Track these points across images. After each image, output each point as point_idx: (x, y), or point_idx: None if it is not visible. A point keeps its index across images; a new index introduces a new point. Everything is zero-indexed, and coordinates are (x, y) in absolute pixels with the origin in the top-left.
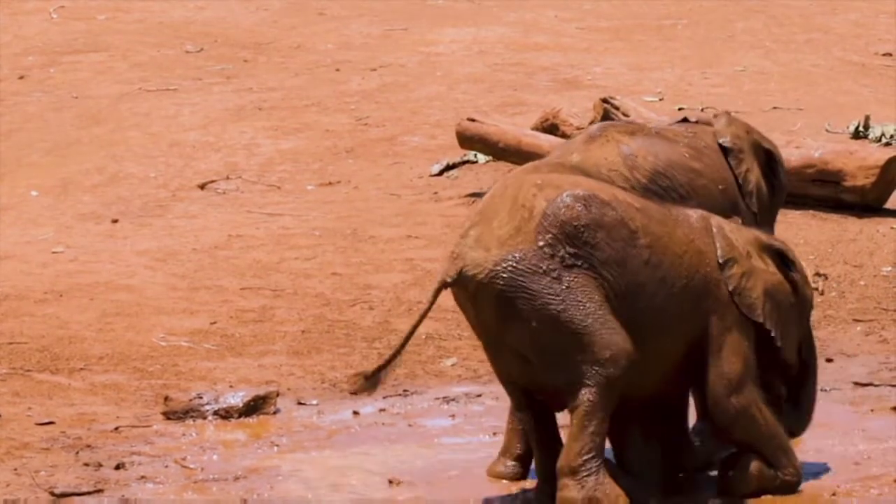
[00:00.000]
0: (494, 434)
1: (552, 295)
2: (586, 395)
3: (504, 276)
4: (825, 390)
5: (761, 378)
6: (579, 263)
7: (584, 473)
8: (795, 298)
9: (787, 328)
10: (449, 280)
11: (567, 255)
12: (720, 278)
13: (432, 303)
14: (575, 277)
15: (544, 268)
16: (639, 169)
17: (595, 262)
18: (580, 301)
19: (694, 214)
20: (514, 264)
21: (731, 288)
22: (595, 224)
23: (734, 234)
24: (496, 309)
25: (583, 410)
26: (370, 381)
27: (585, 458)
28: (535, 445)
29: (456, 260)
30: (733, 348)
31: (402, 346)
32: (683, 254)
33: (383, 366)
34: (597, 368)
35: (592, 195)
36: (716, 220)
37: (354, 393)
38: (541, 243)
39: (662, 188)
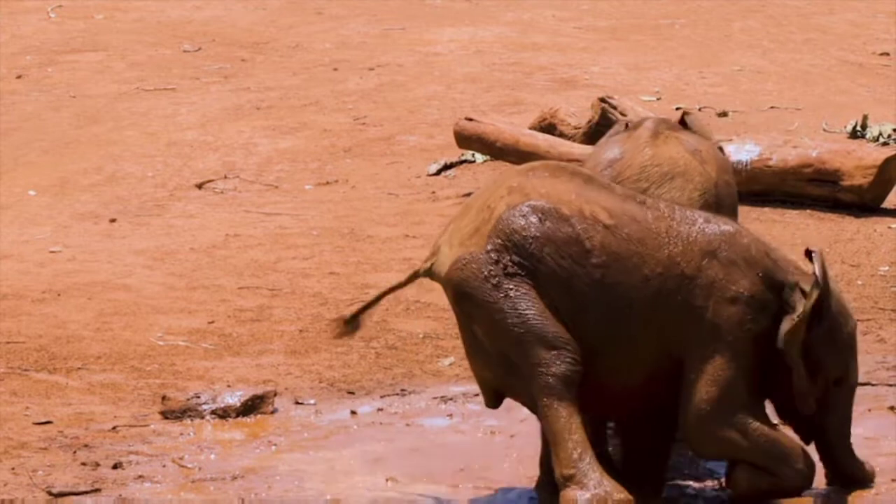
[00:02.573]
0: (492, 433)
1: (490, 301)
2: (542, 401)
3: (456, 276)
4: None
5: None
6: (522, 273)
7: (580, 476)
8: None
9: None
10: (421, 273)
11: (510, 264)
12: (707, 305)
13: (402, 285)
14: (515, 286)
15: (485, 273)
16: (708, 163)
17: (538, 274)
18: (517, 310)
19: (715, 237)
20: (464, 265)
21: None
22: (544, 237)
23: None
24: (456, 307)
25: (546, 417)
26: (351, 325)
27: (574, 462)
28: (543, 436)
29: (433, 253)
30: (712, 377)
31: (382, 294)
32: (657, 276)
33: (363, 309)
34: (545, 374)
35: (553, 208)
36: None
37: (336, 337)
38: (489, 248)
39: (727, 183)
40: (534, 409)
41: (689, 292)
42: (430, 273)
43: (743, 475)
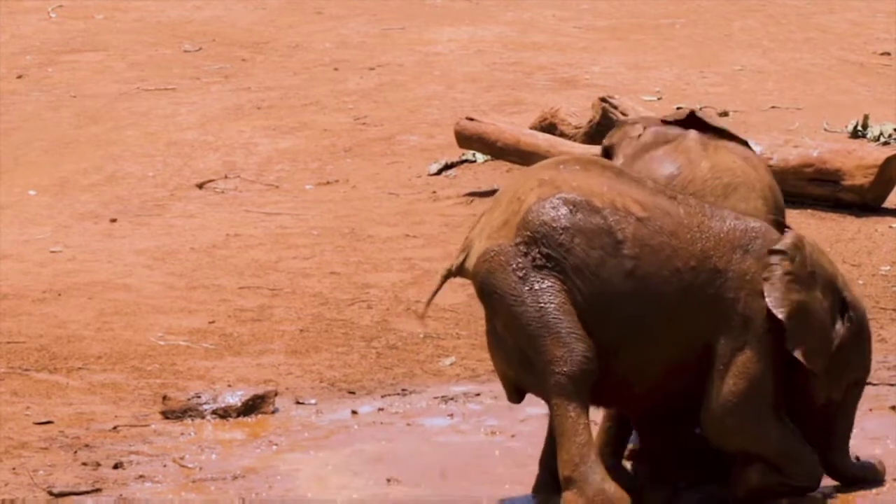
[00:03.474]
0: (493, 433)
1: (514, 294)
2: (553, 399)
3: (483, 268)
4: None
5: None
6: (549, 265)
7: (581, 480)
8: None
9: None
10: (454, 269)
11: (539, 256)
12: (738, 297)
13: (438, 288)
14: (541, 279)
15: (514, 265)
16: (759, 168)
17: (567, 266)
18: (539, 303)
19: (746, 232)
20: (491, 257)
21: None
22: (575, 229)
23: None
24: (482, 301)
25: (555, 416)
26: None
27: (577, 464)
28: (548, 434)
29: (463, 248)
30: (741, 370)
31: (429, 301)
32: (689, 270)
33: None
34: (556, 373)
35: (584, 200)
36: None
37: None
38: (518, 240)
39: (775, 186)
40: (543, 398)
41: (721, 286)
42: (461, 269)
43: (755, 471)
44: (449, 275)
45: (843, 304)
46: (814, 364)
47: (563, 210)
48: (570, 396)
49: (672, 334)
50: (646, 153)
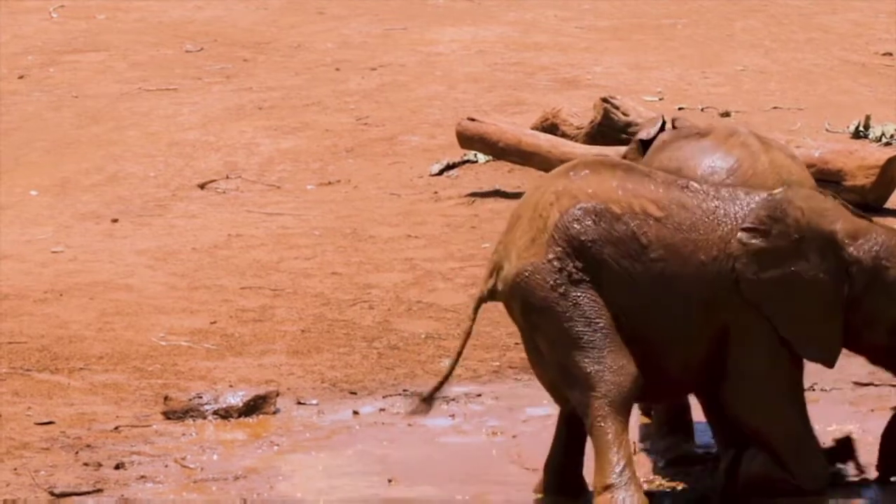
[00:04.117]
0: (494, 434)
1: (559, 311)
2: (595, 411)
3: (520, 289)
4: (825, 390)
5: None
6: (587, 279)
7: (616, 490)
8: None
9: None
10: (486, 296)
11: (574, 270)
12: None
13: (474, 319)
14: (582, 293)
15: (551, 282)
16: (803, 169)
17: (602, 277)
18: (587, 318)
19: (753, 207)
20: (527, 277)
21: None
22: (602, 239)
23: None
24: (521, 320)
25: (595, 430)
26: (426, 403)
27: (614, 475)
28: (556, 437)
29: (491, 272)
30: (759, 344)
31: (454, 365)
32: (712, 260)
33: (438, 388)
34: (602, 388)
35: (604, 208)
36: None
37: (412, 413)
38: (549, 256)
39: (814, 187)
40: (584, 413)
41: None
42: (493, 293)
43: (758, 461)
44: (482, 301)
45: (846, 261)
46: (807, 351)
47: (588, 222)
48: (616, 411)
49: (708, 322)
50: (688, 144)
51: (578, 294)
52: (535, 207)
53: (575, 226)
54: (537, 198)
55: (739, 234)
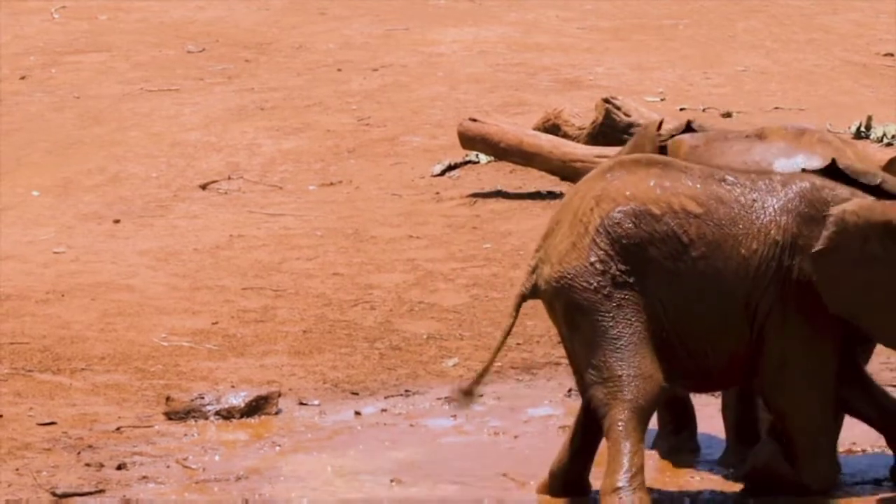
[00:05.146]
0: (496, 434)
1: (602, 312)
2: (617, 413)
3: (563, 292)
4: None
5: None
6: (631, 281)
7: (624, 494)
8: None
9: None
10: (526, 292)
11: (618, 273)
12: (794, 265)
13: (515, 316)
14: (625, 295)
15: (594, 285)
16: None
17: (647, 279)
18: (628, 320)
19: (792, 195)
20: (570, 281)
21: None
22: (644, 241)
23: None
24: (562, 321)
25: (614, 431)
26: (467, 396)
27: (624, 478)
28: (569, 441)
29: (531, 273)
30: (795, 331)
31: (492, 358)
32: (753, 253)
33: (477, 381)
34: (630, 392)
35: (644, 210)
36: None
37: (456, 408)
38: (592, 259)
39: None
40: (604, 413)
41: (780, 256)
42: (535, 291)
43: (767, 451)
44: (523, 298)
45: None
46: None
47: (629, 224)
48: (637, 417)
49: (750, 313)
50: (751, 146)
51: (621, 296)
52: (575, 213)
53: (615, 230)
54: (577, 203)
55: (813, 260)
